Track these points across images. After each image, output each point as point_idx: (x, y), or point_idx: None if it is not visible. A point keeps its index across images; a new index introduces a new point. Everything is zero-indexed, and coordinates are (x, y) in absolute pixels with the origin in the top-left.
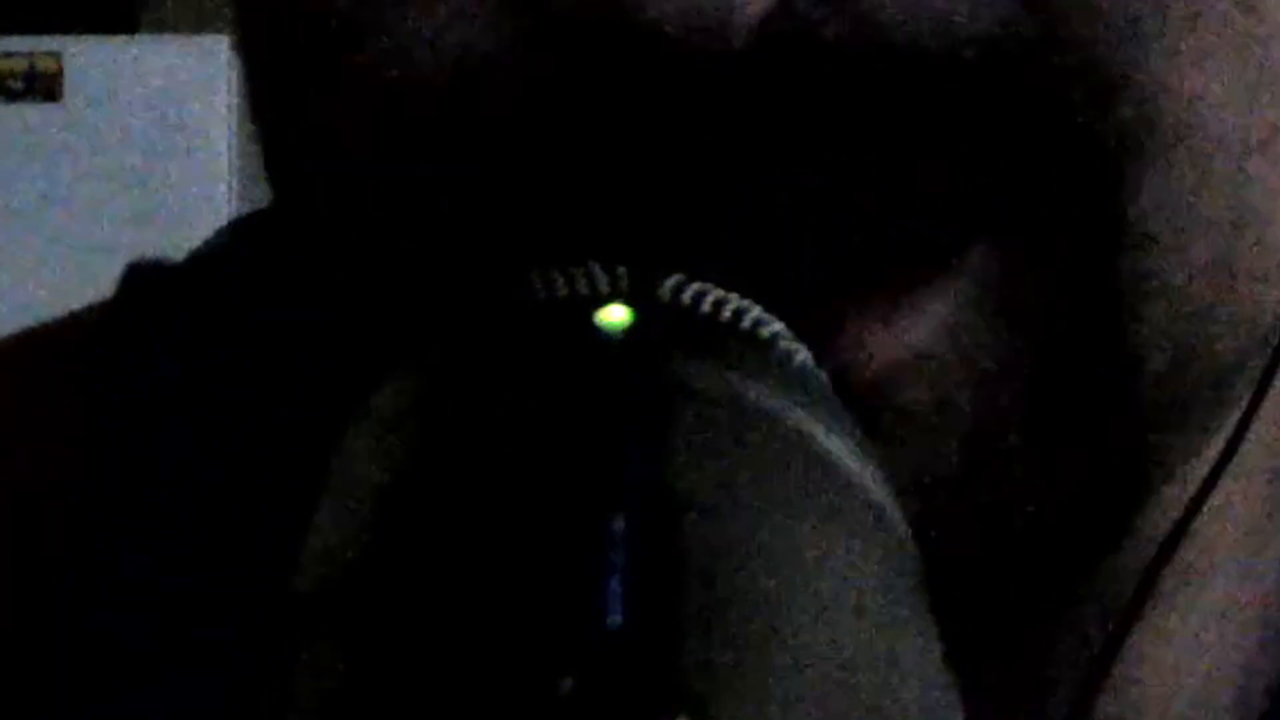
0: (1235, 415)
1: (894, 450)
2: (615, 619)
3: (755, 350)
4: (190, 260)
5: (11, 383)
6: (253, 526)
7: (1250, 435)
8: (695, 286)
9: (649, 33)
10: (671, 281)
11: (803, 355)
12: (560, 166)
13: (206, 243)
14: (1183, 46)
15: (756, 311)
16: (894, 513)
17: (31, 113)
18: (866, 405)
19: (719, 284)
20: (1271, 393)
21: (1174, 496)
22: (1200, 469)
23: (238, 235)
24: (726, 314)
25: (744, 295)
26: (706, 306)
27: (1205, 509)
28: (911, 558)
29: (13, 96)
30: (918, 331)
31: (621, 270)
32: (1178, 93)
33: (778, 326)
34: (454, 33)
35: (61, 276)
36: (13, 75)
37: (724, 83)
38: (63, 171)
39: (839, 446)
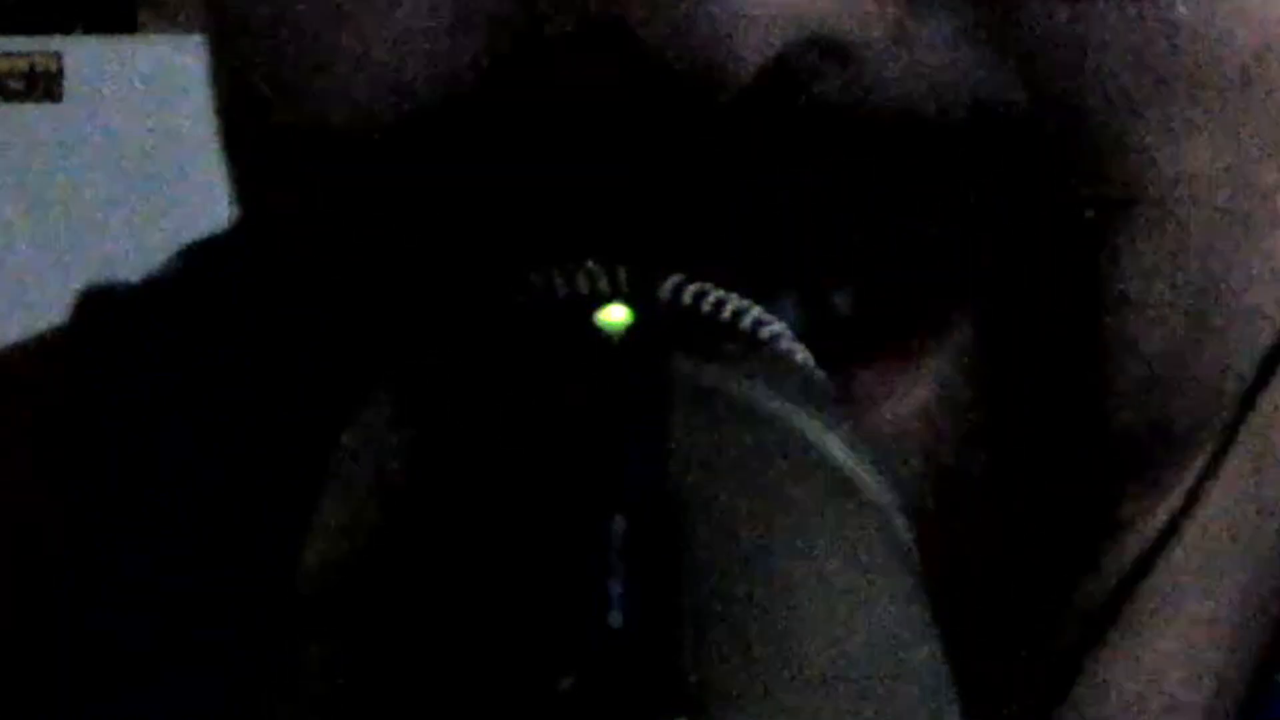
0: (1198, 465)
1: None
2: (615, 619)
3: (755, 350)
4: (188, 260)
5: (10, 382)
6: (252, 526)
7: (1213, 474)
8: (695, 286)
9: (647, 61)
10: (671, 281)
11: (802, 355)
12: (558, 168)
13: (202, 242)
14: (1176, 118)
15: (756, 311)
16: (892, 511)
17: (31, 113)
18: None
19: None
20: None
21: (1135, 541)
22: (1161, 516)
23: (232, 236)
24: (726, 314)
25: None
26: (706, 306)
27: (1168, 544)
28: (910, 556)
29: (12, 96)
30: (913, 402)
31: (621, 270)
32: (1167, 164)
33: (778, 326)
34: (419, 40)
35: (61, 276)
36: (12, 75)
37: (716, 116)
38: (63, 171)
39: (838, 446)
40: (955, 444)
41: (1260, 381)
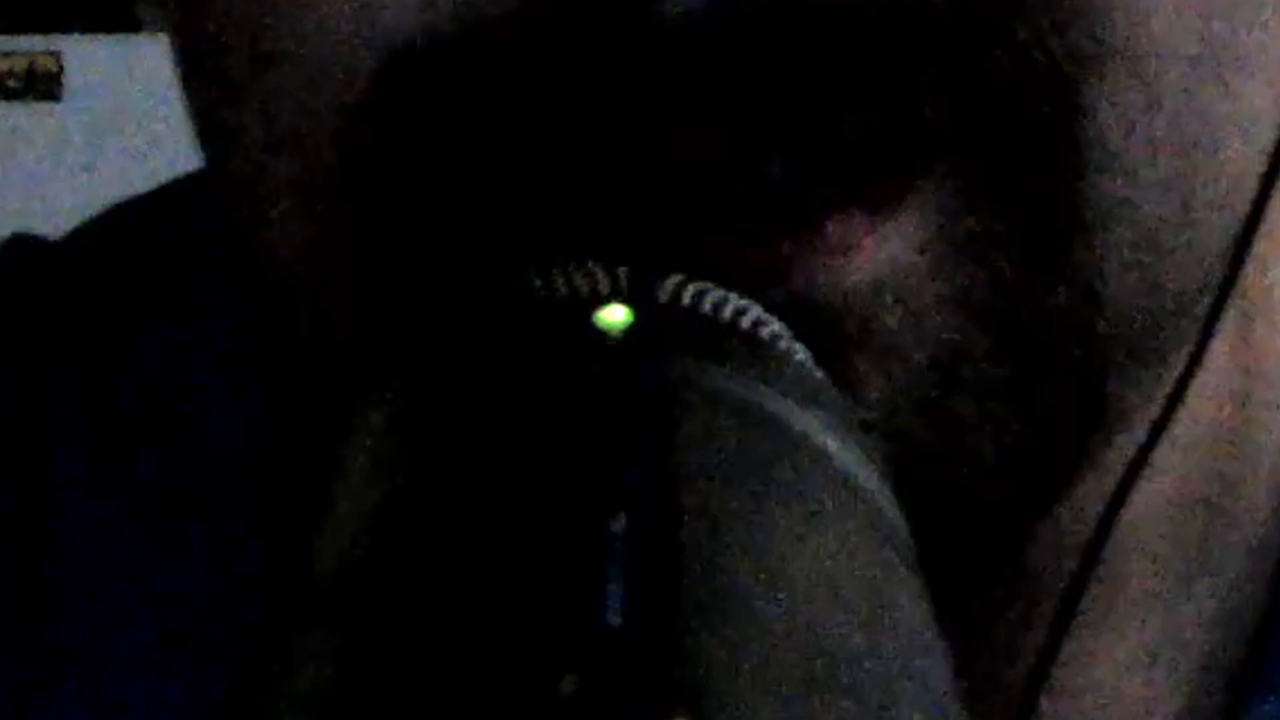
0: (1190, 342)
1: (867, 373)
2: (615, 619)
3: (755, 350)
4: (185, 259)
5: None
6: (252, 525)
7: (1174, 452)
8: (695, 286)
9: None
10: (671, 281)
11: (802, 355)
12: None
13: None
14: None
15: (756, 311)
16: (892, 511)
17: (31, 112)
18: (839, 328)
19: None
20: (1184, 418)
21: (1122, 445)
22: (1145, 421)
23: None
24: (726, 314)
25: (715, 226)
26: (706, 306)
27: (1131, 521)
28: (911, 555)
29: (12, 96)
30: (887, 253)
31: (621, 270)
32: (1129, 11)
33: (777, 326)
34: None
35: None
36: (12, 75)
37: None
38: (63, 171)
39: (838, 446)
40: (936, 314)
41: (1244, 242)
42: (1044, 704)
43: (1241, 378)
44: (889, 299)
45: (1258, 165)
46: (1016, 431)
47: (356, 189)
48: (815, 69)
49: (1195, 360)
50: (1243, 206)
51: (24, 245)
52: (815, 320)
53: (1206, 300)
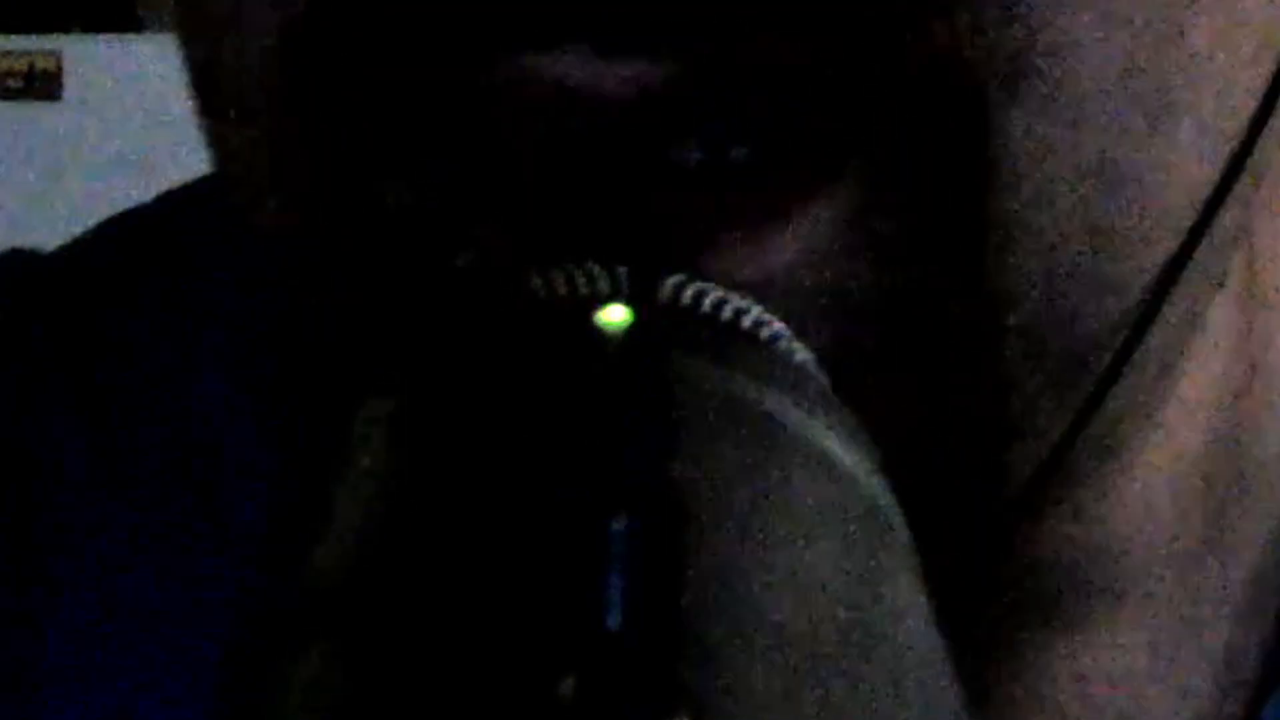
0: (1104, 367)
1: None
2: (615, 619)
3: (755, 350)
4: (184, 260)
5: None
6: (252, 527)
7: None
8: (695, 286)
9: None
10: (671, 281)
11: (802, 355)
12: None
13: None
14: None
15: (756, 311)
16: (893, 510)
17: (31, 112)
18: None
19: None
20: (1175, 397)
21: (1023, 461)
22: (1048, 430)
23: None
24: (727, 314)
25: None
26: (706, 306)
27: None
28: (911, 553)
29: (12, 96)
30: (780, 254)
31: (621, 270)
32: (1055, 33)
33: (778, 326)
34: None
35: None
36: (12, 75)
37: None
38: (63, 171)
39: (838, 446)
40: (827, 318)
41: (1168, 279)
42: (1044, 702)
43: (1244, 373)
44: (777, 294)
45: (1187, 206)
46: (905, 447)
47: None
48: (733, 55)
49: (1106, 383)
50: (1169, 245)
51: (19, 259)
52: None
53: (1129, 322)
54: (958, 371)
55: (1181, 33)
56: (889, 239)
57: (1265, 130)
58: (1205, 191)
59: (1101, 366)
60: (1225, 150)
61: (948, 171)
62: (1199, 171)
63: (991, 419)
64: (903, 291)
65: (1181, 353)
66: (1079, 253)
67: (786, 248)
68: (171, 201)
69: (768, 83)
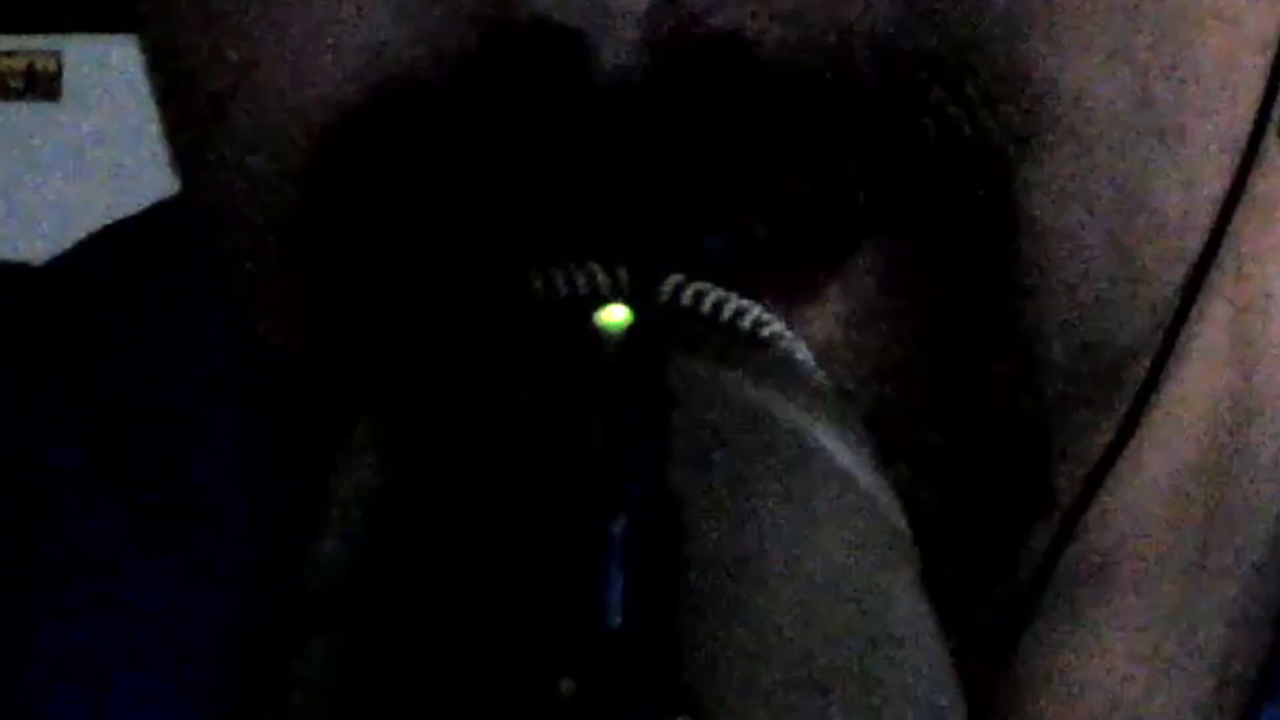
0: (1135, 387)
1: None
2: (615, 619)
3: (755, 350)
4: (184, 257)
5: None
6: (251, 526)
7: (1156, 439)
8: (695, 286)
9: (535, 22)
10: (671, 281)
11: (802, 355)
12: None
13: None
14: (1066, 38)
15: (756, 311)
16: (893, 510)
17: (31, 113)
18: None
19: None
20: (1169, 403)
21: (1071, 486)
22: (1095, 453)
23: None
24: (726, 314)
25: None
26: (706, 306)
27: (1107, 515)
28: (912, 553)
29: (12, 96)
30: (816, 327)
31: (621, 270)
32: (1066, 86)
33: (778, 326)
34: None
35: None
36: (12, 75)
37: (614, 75)
38: (63, 171)
39: (839, 446)
40: (867, 387)
41: (1190, 295)
42: (1043, 702)
43: (1236, 377)
44: (820, 364)
45: (1202, 218)
46: (952, 503)
47: (342, 193)
48: (745, 142)
49: (1147, 390)
50: (1188, 257)
51: (9, 272)
52: None
53: (1155, 340)
54: (1000, 411)
55: (1189, 56)
56: (924, 299)
57: (1266, 129)
58: (1219, 197)
59: (1136, 382)
60: (1236, 157)
61: (974, 228)
62: (1213, 181)
63: (1035, 453)
64: (941, 346)
65: (1179, 357)
66: (1109, 280)
67: (824, 318)
68: (170, 205)
69: (787, 172)
